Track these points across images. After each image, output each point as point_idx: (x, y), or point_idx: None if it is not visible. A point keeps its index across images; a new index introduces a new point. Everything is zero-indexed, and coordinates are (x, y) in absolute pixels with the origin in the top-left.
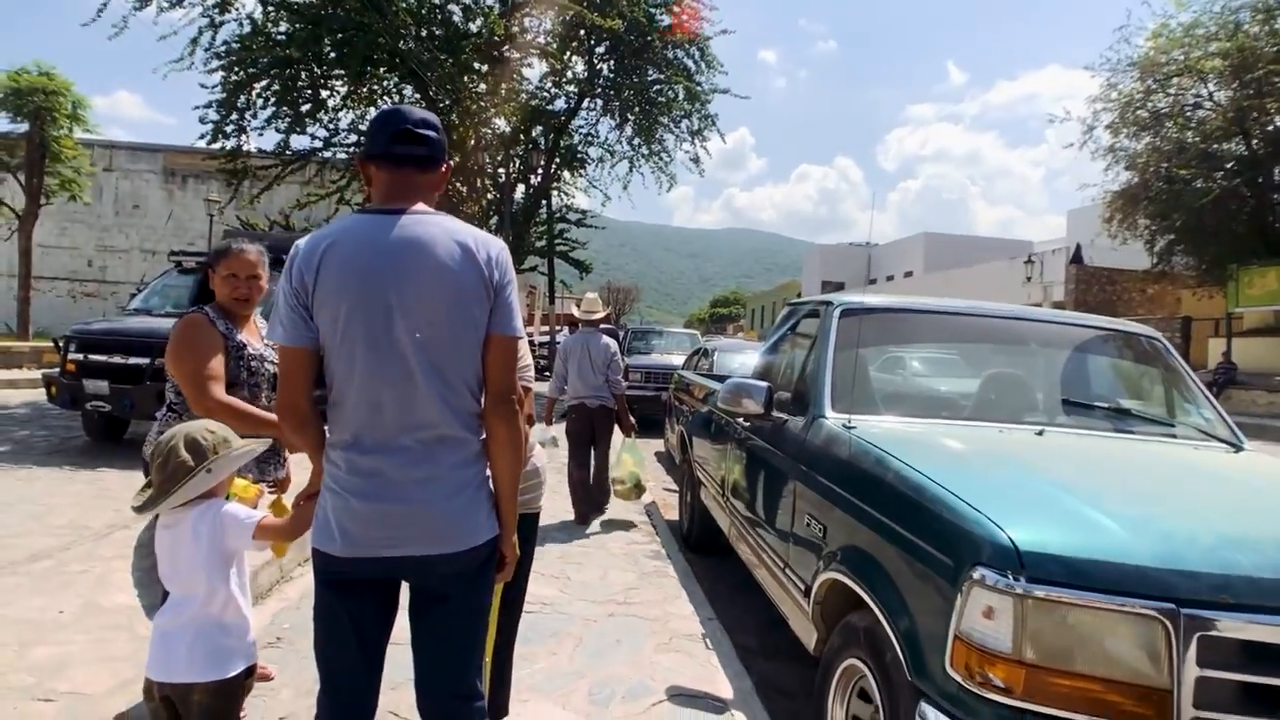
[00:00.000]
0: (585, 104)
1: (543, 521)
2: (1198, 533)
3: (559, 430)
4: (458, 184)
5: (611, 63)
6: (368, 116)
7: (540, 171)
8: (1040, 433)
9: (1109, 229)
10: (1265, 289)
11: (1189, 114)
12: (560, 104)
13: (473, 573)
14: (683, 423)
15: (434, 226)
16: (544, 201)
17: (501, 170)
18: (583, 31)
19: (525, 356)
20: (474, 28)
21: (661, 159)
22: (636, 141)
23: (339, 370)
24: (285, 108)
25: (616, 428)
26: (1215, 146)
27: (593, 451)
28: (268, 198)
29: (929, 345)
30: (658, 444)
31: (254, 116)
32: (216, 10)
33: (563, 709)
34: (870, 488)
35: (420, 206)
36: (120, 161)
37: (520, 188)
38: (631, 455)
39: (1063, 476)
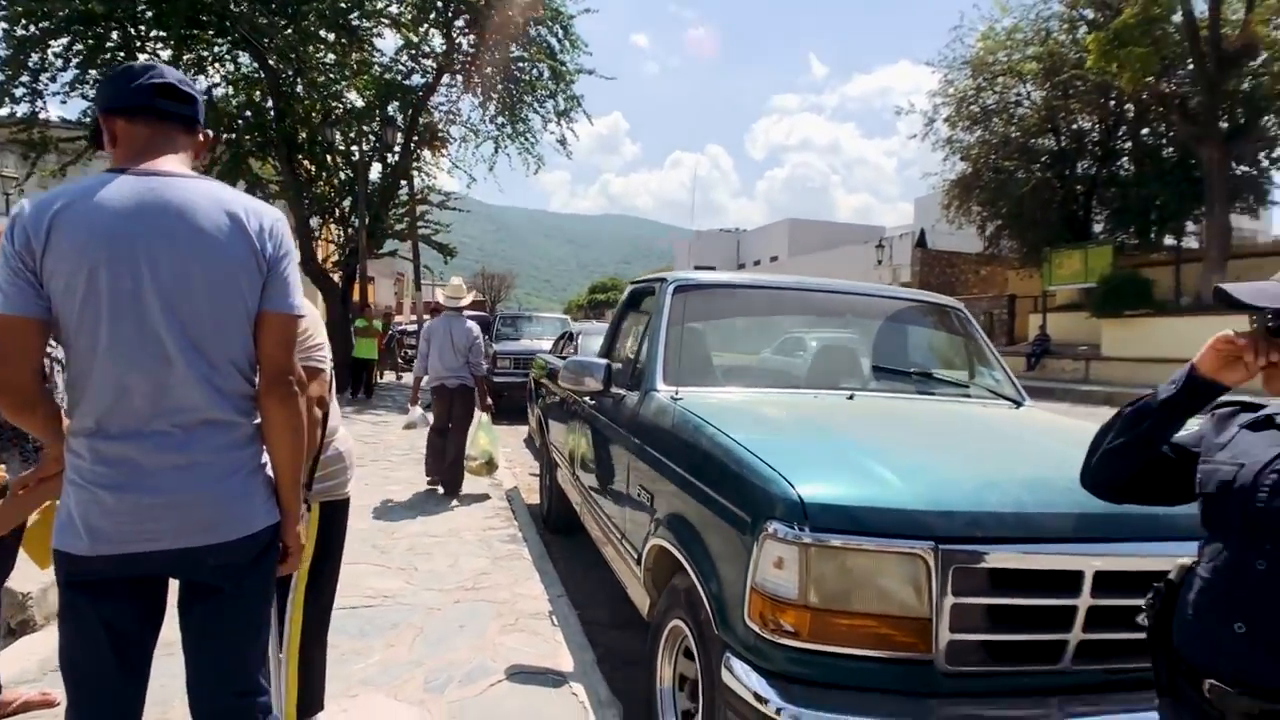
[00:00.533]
0: (445, 80)
1: (398, 509)
2: (960, 478)
3: (422, 412)
4: (304, 161)
5: (471, 37)
6: (206, 88)
7: (398, 150)
8: (851, 397)
9: (947, 215)
10: (1071, 269)
11: (1012, 111)
12: (418, 79)
13: (247, 563)
14: (541, 405)
15: (196, 192)
16: (403, 182)
17: (355, 148)
18: (440, 3)
19: (316, 336)
20: None
21: (528, 140)
22: (501, 121)
23: (78, 347)
24: (93, 71)
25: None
26: (1032, 141)
27: (451, 431)
28: (79, 173)
29: (758, 318)
30: (525, 430)
31: (53, 79)
32: None
33: (395, 699)
34: (688, 455)
35: (181, 169)
36: None
37: (376, 166)
38: (486, 434)
39: (857, 435)
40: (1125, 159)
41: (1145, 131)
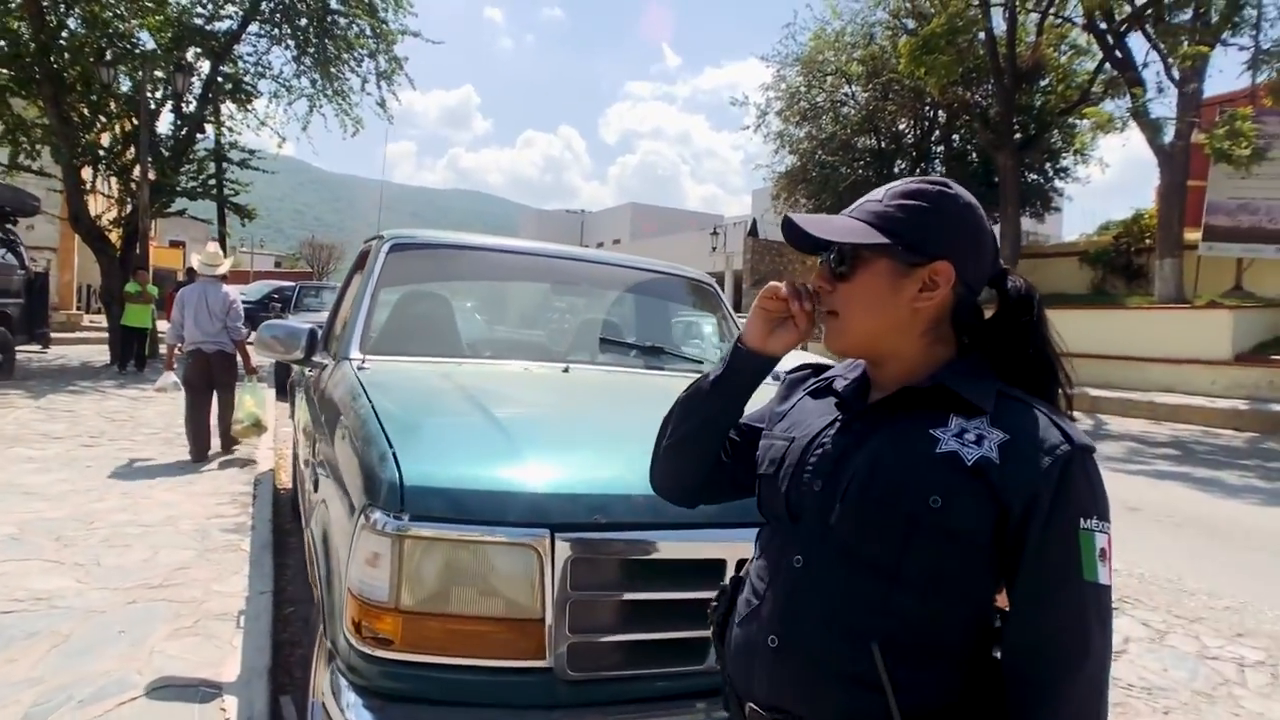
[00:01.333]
0: (254, 29)
1: (113, 494)
2: (605, 457)
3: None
4: (79, 105)
5: None
6: None
7: (194, 100)
8: (566, 370)
9: (776, 206)
10: None
11: (838, 109)
12: (224, 26)
13: None
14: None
15: None
16: (199, 136)
17: (147, 96)
18: None
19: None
20: None
21: (346, 100)
22: (316, 78)
23: None
24: None
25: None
26: (855, 139)
27: (215, 397)
28: None
29: (486, 283)
30: None
31: None
32: None
33: None
34: (336, 431)
35: None
36: None
37: (169, 117)
38: (252, 395)
39: (526, 412)
40: (938, 161)
41: (955, 137)
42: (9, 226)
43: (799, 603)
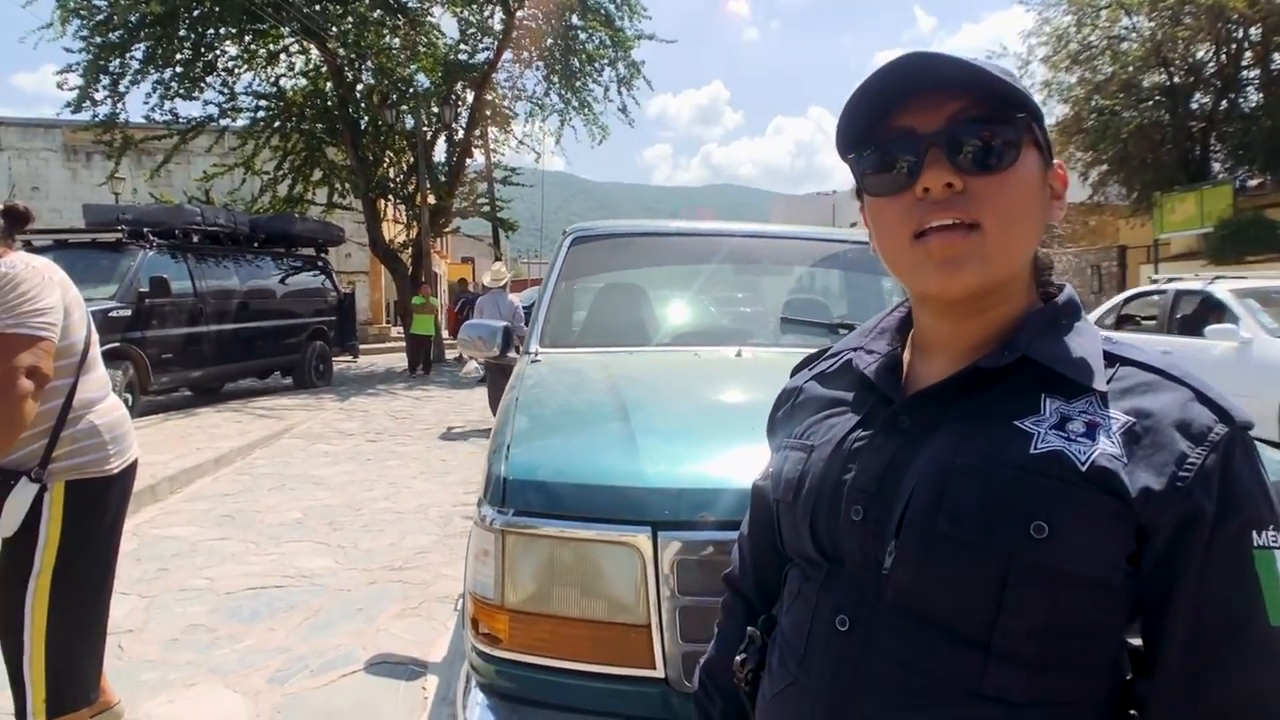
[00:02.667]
0: (507, 56)
1: (380, 484)
2: (726, 449)
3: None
4: (371, 145)
5: (528, 7)
6: (273, 77)
7: (462, 128)
8: (739, 354)
9: None
10: (1185, 214)
11: (1116, 46)
12: (481, 58)
13: None
14: None
15: None
16: (467, 161)
17: (426, 130)
18: None
19: (36, 300)
20: None
21: (591, 110)
22: (564, 92)
23: None
24: (168, 69)
25: None
26: (1140, 78)
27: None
28: (184, 172)
29: (664, 269)
30: None
31: (134, 83)
32: None
33: (231, 690)
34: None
35: None
36: (12, 139)
37: (442, 146)
38: None
39: (659, 403)
40: (1251, 89)
41: (1277, 57)
42: (323, 256)
43: (853, 684)
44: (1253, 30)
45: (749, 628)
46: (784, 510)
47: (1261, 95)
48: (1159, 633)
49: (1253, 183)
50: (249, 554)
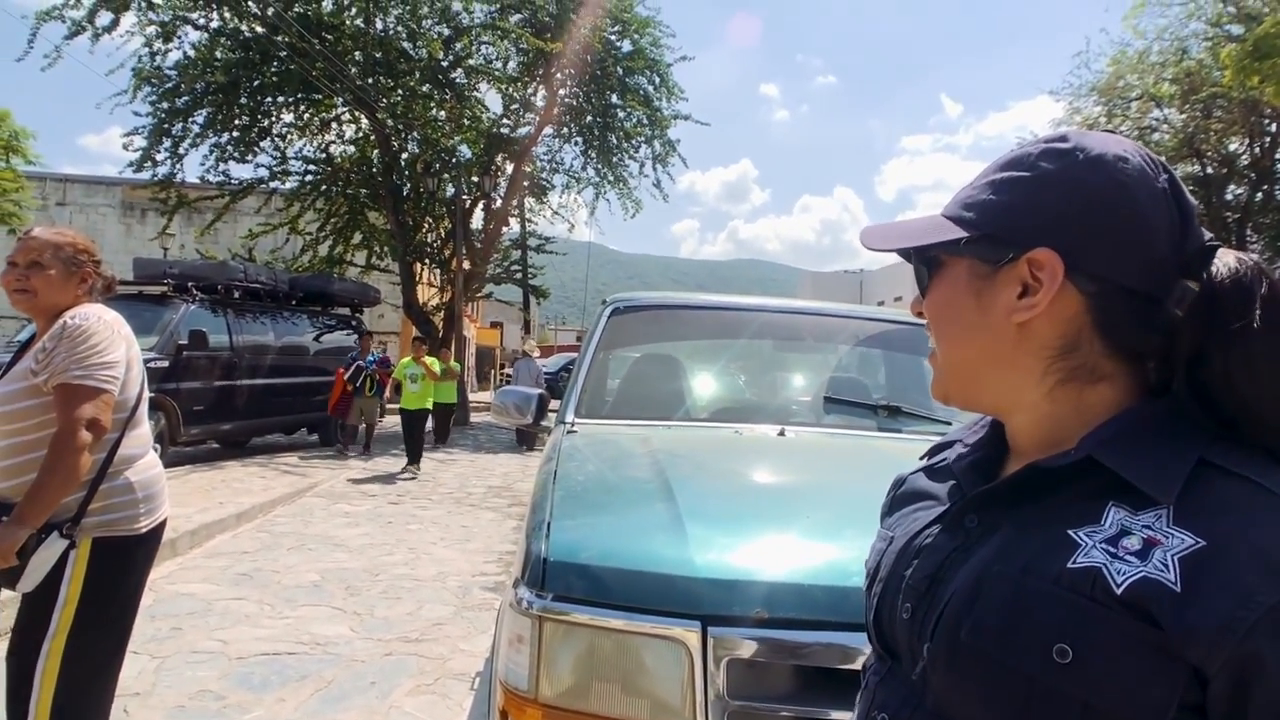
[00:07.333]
0: (548, 131)
1: (399, 548)
2: (784, 537)
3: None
4: (411, 211)
5: (570, 86)
6: (324, 143)
7: (500, 198)
8: (781, 433)
9: None
10: None
11: (1148, 137)
12: (523, 131)
13: None
14: None
15: None
16: (504, 229)
17: (465, 198)
18: (544, 61)
19: (105, 354)
20: (412, 50)
21: (626, 185)
22: (600, 166)
23: None
24: (225, 134)
25: None
26: (1172, 168)
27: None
28: (230, 230)
29: (704, 342)
30: None
31: (193, 146)
32: (160, 39)
33: None
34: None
35: None
36: (75, 195)
37: (479, 215)
38: None
39: (706, 483)
40: None
41: None
42: (358, 315)
43: None
44: None
45: None
46: (866, 599)
47: None
48: None
49: None
50: (264, 616)
